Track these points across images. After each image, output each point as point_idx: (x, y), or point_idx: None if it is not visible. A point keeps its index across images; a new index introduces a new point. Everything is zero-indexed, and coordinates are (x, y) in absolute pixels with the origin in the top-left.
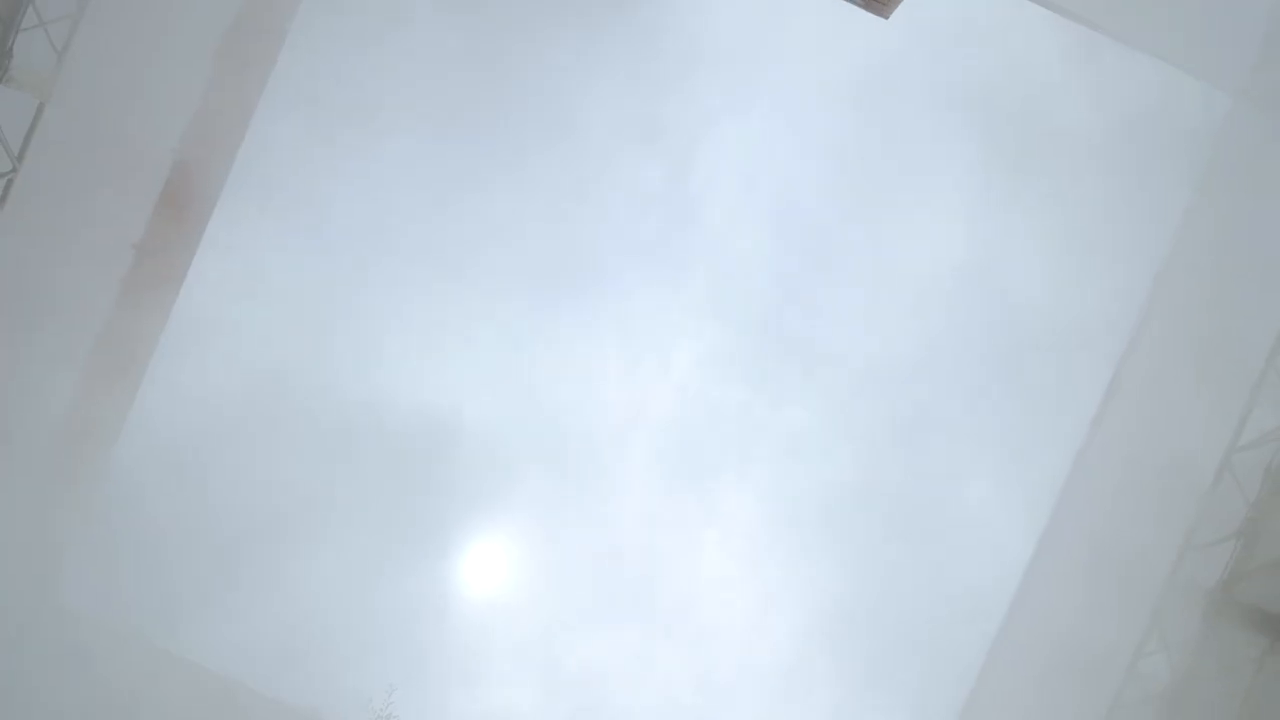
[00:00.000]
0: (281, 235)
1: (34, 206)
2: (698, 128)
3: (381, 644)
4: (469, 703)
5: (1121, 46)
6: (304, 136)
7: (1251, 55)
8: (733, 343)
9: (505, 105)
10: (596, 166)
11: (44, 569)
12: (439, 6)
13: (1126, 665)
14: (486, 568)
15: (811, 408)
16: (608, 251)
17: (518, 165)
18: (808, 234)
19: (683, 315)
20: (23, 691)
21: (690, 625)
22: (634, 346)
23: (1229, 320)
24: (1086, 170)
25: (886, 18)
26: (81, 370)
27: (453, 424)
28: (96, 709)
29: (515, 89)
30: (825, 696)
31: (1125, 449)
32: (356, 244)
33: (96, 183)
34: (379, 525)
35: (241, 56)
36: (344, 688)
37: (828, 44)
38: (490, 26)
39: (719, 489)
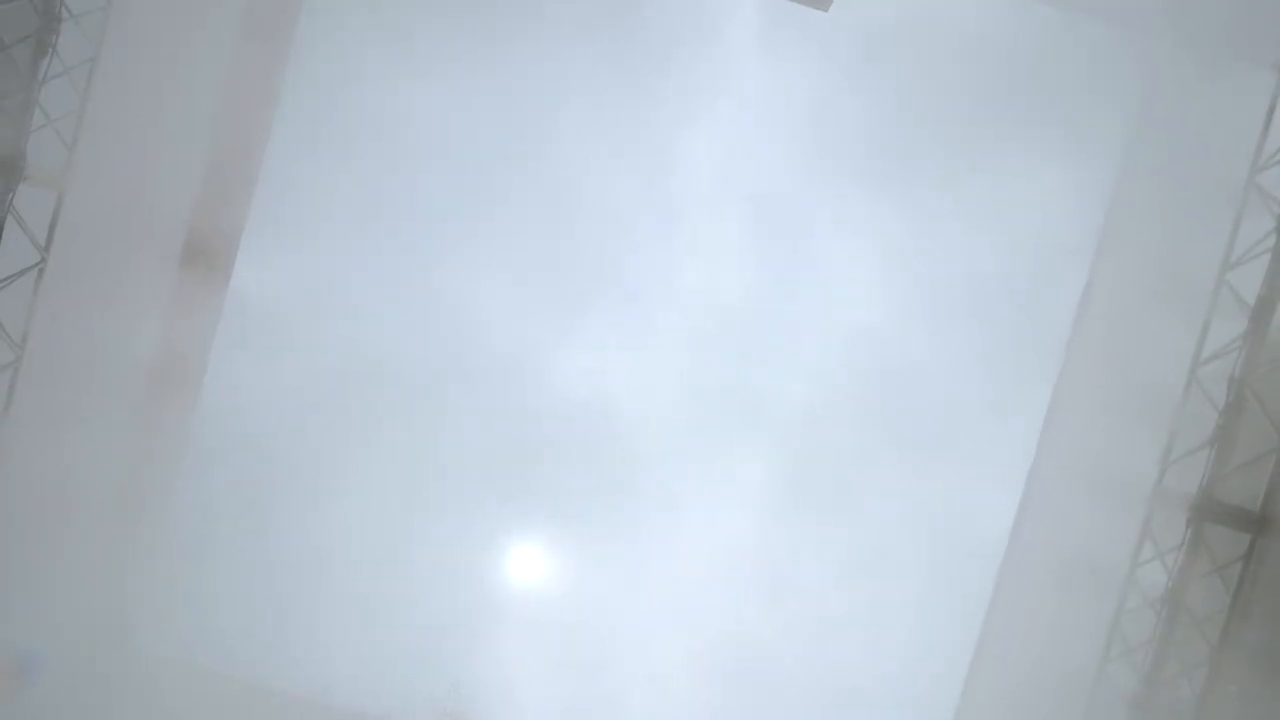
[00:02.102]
0: (306, 261)
1: (67, 288)
2: (670, 130)
3: (440, 645)
4: (532, 694)
5: (1048, 8)
6: (316, 164)
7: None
8: (724, 328)
9: (498, 115)
10: (585, 172)
11: (115, 610)
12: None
13: (1125, 575)
14: (533, 559)
15: (806, 377)
16: (605, 252)
17: (512, 173)
18: (781, 221)
19: (676, 307)
20: None
21: (725, 587)
22: (633, 338)
23: (1179, 246)
24: (1027, 126)
25: (826, 10)
26: (134, 422)
27: (484, 423)
28: None
29: (506, 100)
30: (853, 633)
31: (1100, 377)
32: (378, 256)
33: (122, 256)
34: (426, 530)
35: (244, 108)
36: (409, 690)
37: (772, 42)
38: (484, 39)
39: (735, 462)
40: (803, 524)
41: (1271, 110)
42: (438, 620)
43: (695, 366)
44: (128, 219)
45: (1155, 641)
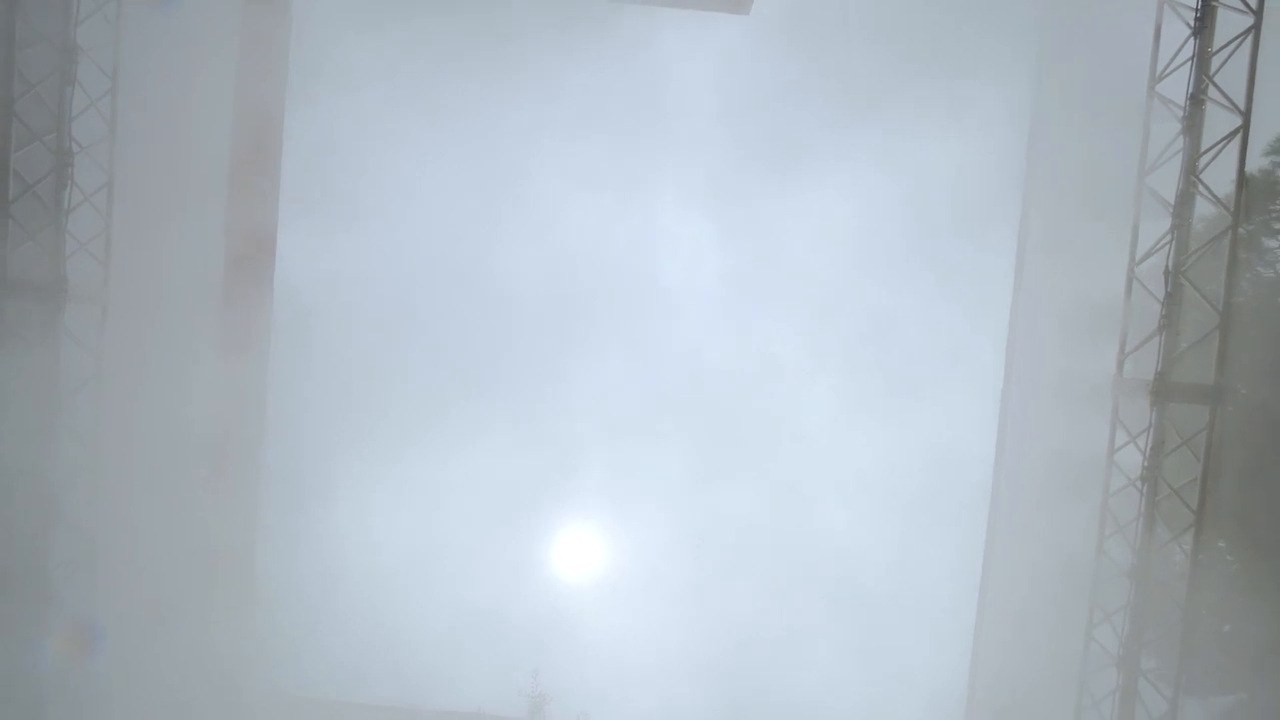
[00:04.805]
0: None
1: (118, 389)
2: (629, 139)
3: (515, 639)
4: (606, 672)
5: None
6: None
7: None
8: (710, 314)
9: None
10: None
11: (223, 654)
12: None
13: (1106, 462)
14: (577, 545)
15: (790, 337)
16: (599, 254)
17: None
18: (743, 208)
19: (664, 298)
20: None
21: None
22: (631, 334)
23: (1099, 161)
24: (942, 79)
25: (747, 12)
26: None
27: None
28: None
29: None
30: (878, 545)
31: (1050, 292)
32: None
33: (167, 345)
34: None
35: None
36: (495, 684)
37: (702, 46)
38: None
39: (750, 427)
40: (807, 478)
41: (1159, 26)
42: (510, 619)
43: (692, 350)
44: (165, 313)
45: (1143, 516)
